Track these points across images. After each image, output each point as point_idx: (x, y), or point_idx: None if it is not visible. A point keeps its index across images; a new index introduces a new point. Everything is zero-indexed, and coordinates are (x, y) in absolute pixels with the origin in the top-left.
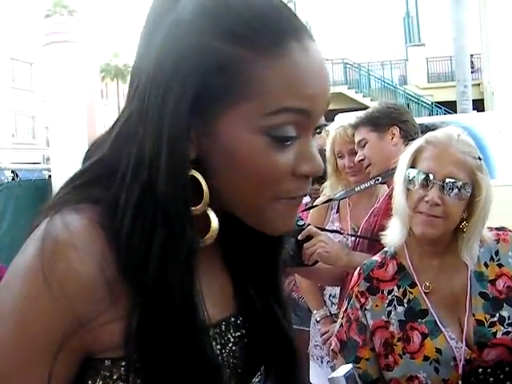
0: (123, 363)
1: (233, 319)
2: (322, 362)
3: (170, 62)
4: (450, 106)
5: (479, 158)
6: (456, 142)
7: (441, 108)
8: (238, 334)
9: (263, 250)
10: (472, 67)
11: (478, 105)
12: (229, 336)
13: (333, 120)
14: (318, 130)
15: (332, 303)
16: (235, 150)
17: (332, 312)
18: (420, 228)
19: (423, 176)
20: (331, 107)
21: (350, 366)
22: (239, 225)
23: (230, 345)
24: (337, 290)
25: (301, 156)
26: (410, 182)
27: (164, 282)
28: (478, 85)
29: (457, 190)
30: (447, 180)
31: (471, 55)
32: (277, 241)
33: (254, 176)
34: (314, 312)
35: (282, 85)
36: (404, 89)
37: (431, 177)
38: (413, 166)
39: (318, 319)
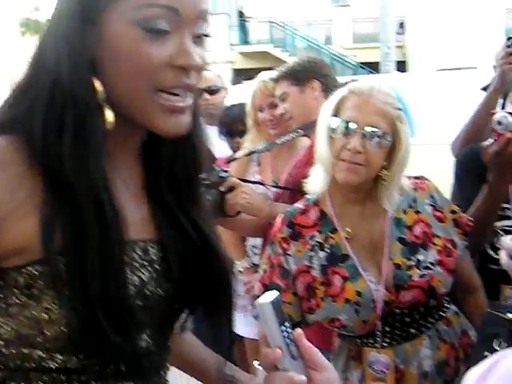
0: (24, 270)
1: (143, 244)
2: (245, 311)
3: None
4: (373, 67)
5: (399, 109)
6: (377, 92)
7: (364, 68)
8: (148, 258)
9: (182, 169)
10: (398, 28)
11: (401, 66)
12: (134, 256)
13: None
14: (202, 37)
15: (254, 253)
16: (114, 43)
17: (254, 262)
18: (342, 175)
19: (345, 124)
20: (257, 65)
21: (276, 292)
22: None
23: (137, 266)
24: (258, 240)
25: (176, 50)
26: (332, 130)
27: (79, 162)
28: (402, 46)
29: (378, 138)
30: (369, 129)
31: (400, 17)
32: (192, 158)
33: (130, 66)
34: (237, 263)
35: None
36: (329, 49)
37: (353, 125)
38: (335, 114)
39: (241, 269)
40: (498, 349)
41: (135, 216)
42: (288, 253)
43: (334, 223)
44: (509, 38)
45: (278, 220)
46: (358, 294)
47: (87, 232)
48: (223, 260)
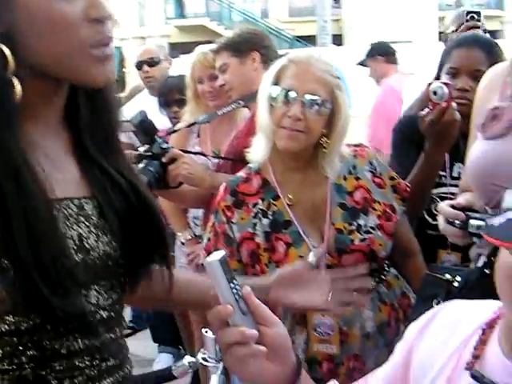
0: None
1: (77, 200)
2: None
3: None
4: (310, 41)
5: (337, 78)
6: (316, 61)
7: (301, 42)
8: (83, 213)
9: (101, 128)
10: (335, 1)
11: (338, 39)
12: (70, 213)
13: None
14: None
15: (196, 224)
16: (28, 10)
17: (196, 233)
18: (283, 142)
19: (285, 93)
20: (193, 39)
21: (222, 251)
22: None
23: (73, 221)
24: (200, 211)
25: (87, 4)
26: (273, 99)
27: None
28: (338, 20)
29: (317, 106)
30: (308, 96)
31: None
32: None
33: (49, 28)
34: (179, 234)
35: None
36: (265, 22)
37: (293, 94)
38: (276, 83)
39: (183, 241)
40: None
41: (67, 176)
42: (232, 221)
43: (276, 190)
44: (468, 13)
45: (221, 189)
46: (301, 259)
47: (7, 200)
48: (159, 219)
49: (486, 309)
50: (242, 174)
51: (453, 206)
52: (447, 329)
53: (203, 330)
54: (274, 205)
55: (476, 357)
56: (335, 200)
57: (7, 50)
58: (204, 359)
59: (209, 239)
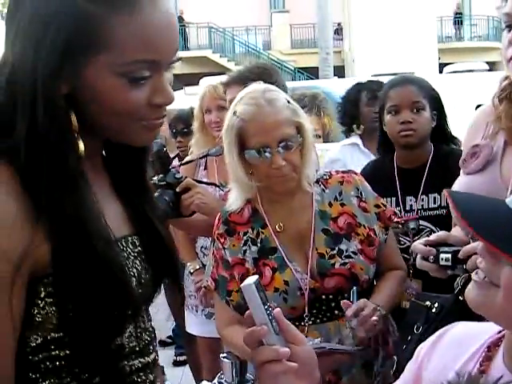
0: (45, 280)
1: (130, 238)
2: (196, 311)
3: (44, 14)
4: (312, 72)
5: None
6: (268, 104)
7: (303, 73)
8: (137, 250)
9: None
10: (336, 33)
11: (339, 71)
12: (129, 251)
13: (198, 84)
14: (171, 65)
15: (204, 254)
16: (98, 90)
17: (204, 263)
18: (279, 187)
19: (259, 151)
20: (196, 71)
21: (256, 276)
22: (120, 155)
23: (132, 258)
24: (208, 241)
25: (154, 89)
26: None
27: (60, 198)
28: (340, 52)
29: (292, 146)
30: (282, 144)
31: (338, 23)
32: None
33: (113, 109)
34: (188, 264)
35: (135, 40)
36: (268, 54)
37: (267, 149)
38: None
39: (192, 271)
40: (416, 332)
41: (117, 214)
42: (225, 247)
43: (265, 219)
44: None
45: (216, 219)
46: (286, 283)
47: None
48: (174, 250)
49: (490, 328)
50: None
51: (426, 244)
52: (455, 346)
53: (221, 355)
54: (262, 233)
55: (482, 372)
56: (319, 226)
57: (73, 114)
58: (220, 383)
59: (213, 266)
